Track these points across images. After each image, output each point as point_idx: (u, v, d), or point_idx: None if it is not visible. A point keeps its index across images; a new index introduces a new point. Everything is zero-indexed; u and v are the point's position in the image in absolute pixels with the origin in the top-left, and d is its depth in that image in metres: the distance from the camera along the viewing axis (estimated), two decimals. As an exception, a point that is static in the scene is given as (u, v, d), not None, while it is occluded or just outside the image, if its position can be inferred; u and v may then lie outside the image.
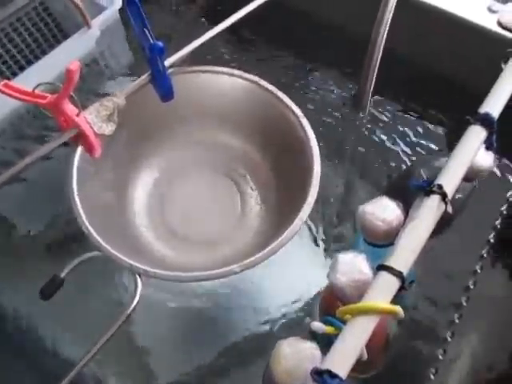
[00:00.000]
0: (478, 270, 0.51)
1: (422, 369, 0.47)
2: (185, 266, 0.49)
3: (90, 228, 0.44)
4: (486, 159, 0.43)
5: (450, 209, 0.34)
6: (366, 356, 0.31)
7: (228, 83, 0.53)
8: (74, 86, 0.38)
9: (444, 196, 0.34)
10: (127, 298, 0.45)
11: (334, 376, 0.28)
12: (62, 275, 0.46)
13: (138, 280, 0.45)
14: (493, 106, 0.39)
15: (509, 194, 0.55)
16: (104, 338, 0.43)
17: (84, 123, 0.43)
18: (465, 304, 0.50)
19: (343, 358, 0.29)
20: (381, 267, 0.32)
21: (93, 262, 0.46)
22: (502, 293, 0.52)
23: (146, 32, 0.45)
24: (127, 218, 0.52)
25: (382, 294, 0.31)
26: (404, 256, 0.32)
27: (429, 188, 0.35)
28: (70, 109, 0.41)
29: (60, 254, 0.54)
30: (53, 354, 0.49)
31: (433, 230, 0.35)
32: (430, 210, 0.34)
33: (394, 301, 0.31)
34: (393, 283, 0.31)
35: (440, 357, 0.47)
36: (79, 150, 0.48)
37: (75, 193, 0.46)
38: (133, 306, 0.44)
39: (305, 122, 0.49)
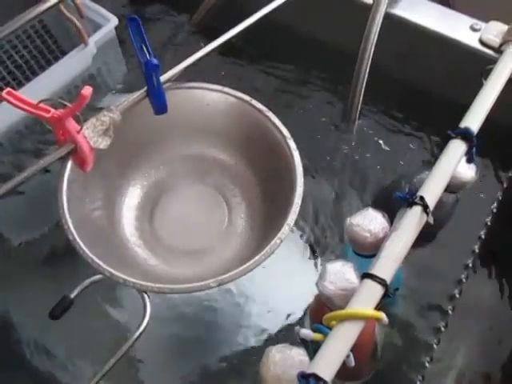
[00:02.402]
0: (464, 280, 0.53)
1: (408, 376, 0.48)
2: (173, 277, 0.50)
3: (76, 236, 0.45)
4: (469, 172, 0.45)
5: (431, 219, 0.36)
6: (353, 363, 0.32)
7: (220, 100, 0.54)
8: (82, 107, 0.40)
9: (425, 207, 0.36)
10: (135, 317, 0.45)
11: (319, 379, 0.29)
12: (72, 296, 0.45)
13: (147, 301, 0.45)
14: (472, 120, 0.41)
15: (493, 205, 0.57)
16: (114, 359, 0.43)
17: (82, 139, 0.45)
18: (450, 312, 0.51)
19: (328, 362, 0.30)
20: (365, 275, 0.33)
21: (102, 282, 0.46)
22: (486, 301, 0.53)
23: (144, 48, 0.47)
24: (116, 228, 0.53)
25: (366, 300, 0.32)
26: (387, 264, 0.34)
27: (411, 199, 0.37)
28: (72, 125, 0.43)
29: (62, 267, 0.55)
30: (62, 373, 0.50)
31: (419, 240, 0.36)
32: (412, 221, 0.36)
33: (382, 309, 0.32)
34: (377, 290, 0.33)
35: (426, 364, 0.49)
36: (69, 164, 0.48)
37: (66, 210, 0.46)
38: (143, 326, 0.44)
39: (291, 143, 0.50)
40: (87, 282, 0.46)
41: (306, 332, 0.35)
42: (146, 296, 0.45)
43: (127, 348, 0.43)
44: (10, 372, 0.50)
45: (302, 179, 0.48)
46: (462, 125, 0.41)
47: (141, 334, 0.44)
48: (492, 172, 0.59)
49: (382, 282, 0.33)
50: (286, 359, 0.34)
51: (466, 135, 0.40)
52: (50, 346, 0.51)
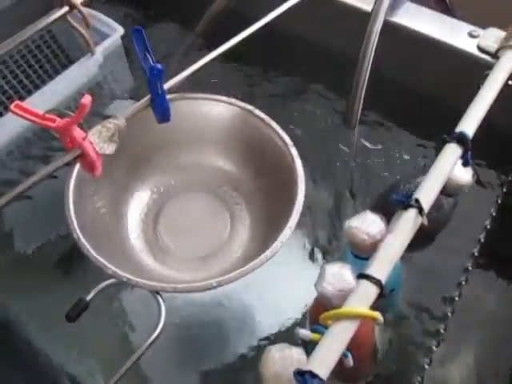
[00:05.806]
0: (463, 282, 0.53)
1: (408, 378, 0.49)
2: (176, 280, 0.51)
3: (79, 234, 0.47)
4: (465, 175, 0.45)
5: (425, 221, 0.37)
6: (351, 363, 0.33)
7: (223, 109, 0.56)
8: (84, 115, 0.42)
9: (420, 209, 0.37)
10: (149, 320, 0.45)
11: (314, 376, 0.29)
12: (88, 298, 0.45)
13: (162, 304, 0.45)
14: (468, 125, 0.42)
15: (492, 209, 0.57)
16: (130, 362, 0.43)
17: (88, 145, 0.46)
18: (450, 315, 0.51)
19: (324, 359, 0.30)
20: (361, 276, 0.34)
21: (118, 285, 0.47)
22: (485, 304, 0.53)
23: (148, 55, 0.48)
24: (121, 233, 0.54)
25: (361, 300, 0.33)
26: (383, 265, 0.34)
27: (407, 202, 0.37)
28: (77, 132, 0.44)
29: (77, 270, 0.56)
30: (78, 375, 0.51)
31: (418, 243, 0.37)
32: (407, 223, 0.36)
33: (380, 311, 0.33)
34: (372, 290, 0.33)
35: (426, 366, 0.49)
36: (76, 169, 0.50)
37: (72, 214, 0.48)
38: (158, 329, 0.44)
39: (293, 150, 0.51)
40: (103, 284, 0.47)
41: (305, 332, 0.35)
42: (160, 299, 0.46)
43: (143, 350, 0.44)
44: (24, 373, 0.51)
45: (304, 185, 0.49)
46: (458, 129, 0.41)
47: (157, 336, 0.44)
48: (491, 175, 0.60)
49: (377, 282, 0.33)
50: (285, 358, 0.35)
51: (461, 139, 0.40)
52: (65, 348, 0.52)
